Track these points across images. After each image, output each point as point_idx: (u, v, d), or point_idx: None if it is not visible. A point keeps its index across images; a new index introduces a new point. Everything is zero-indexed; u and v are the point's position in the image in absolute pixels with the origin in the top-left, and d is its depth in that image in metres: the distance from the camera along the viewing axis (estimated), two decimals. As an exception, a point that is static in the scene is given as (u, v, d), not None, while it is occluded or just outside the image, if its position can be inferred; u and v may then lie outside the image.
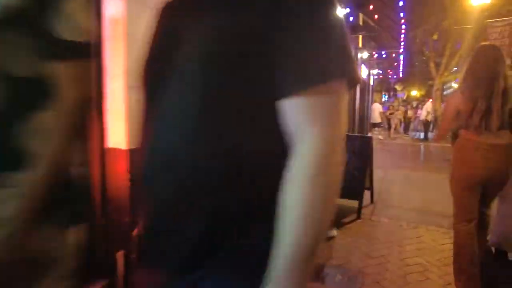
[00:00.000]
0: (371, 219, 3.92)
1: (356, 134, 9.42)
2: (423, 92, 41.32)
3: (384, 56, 13.38)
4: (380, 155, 9.09)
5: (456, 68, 12.45)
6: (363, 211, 4.06)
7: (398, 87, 28.20)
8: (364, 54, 11.36)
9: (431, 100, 13.05)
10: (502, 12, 10.01)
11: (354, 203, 4.04)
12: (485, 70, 2.02)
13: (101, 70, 1.49)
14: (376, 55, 13.00)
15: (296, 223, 0.51)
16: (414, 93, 40.90)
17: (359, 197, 3.93)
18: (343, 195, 3.98)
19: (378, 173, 6.57)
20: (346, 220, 3.83)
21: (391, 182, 5.88)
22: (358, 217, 3.89)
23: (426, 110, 12.38)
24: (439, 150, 10.34)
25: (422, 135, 13.66)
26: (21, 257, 1.18)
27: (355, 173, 4.06)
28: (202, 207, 0.56)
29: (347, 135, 4.39)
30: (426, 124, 12.65)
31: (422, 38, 12.77)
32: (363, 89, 15.09)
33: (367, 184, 4.33)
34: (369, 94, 15.73)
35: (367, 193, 4.35)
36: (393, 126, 13.45)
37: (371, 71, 15.83)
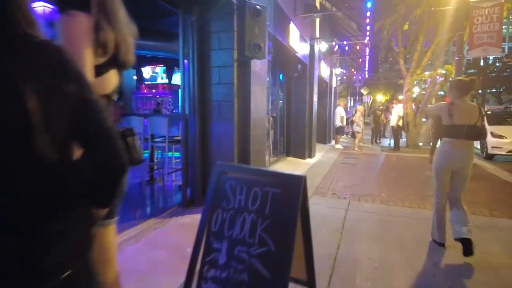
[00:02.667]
0: None
1: (272, 170, 6.99)
2: (388, 97, 40.99)
3: (346, 48, 11.41)
4: (341, 173, 7.10)
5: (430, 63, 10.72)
6: None
7: (364, 91, 26.82)
8: (323, 46, 9.18)
9: (395, 104, 11.09)
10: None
11: None
12: None
13: None
14: (337, 48, 10.98)
15: None
16: (380, 98, 40.46)
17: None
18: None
19: (336, 210, 4.30)
20: None
21: (356, 236, 3.50)
22: None
23: (397, 115, 10.46)
24: (418, 163, 8.32)
25: (392, 143, 11.71)
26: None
27: (264, 273, 1.59)
28: None
29: (240, 169, 1.90)
30: (397, 131, 10.67)
31: (390, 30, 10.87)
32: (324, 91, 12.99)
33: (299, 274, 1.90)
34: (331, 97, 13.66)
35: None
36: (357, 135, 11.19)
37: (333, 70, 13.83)
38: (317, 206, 4.40)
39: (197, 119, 3.98)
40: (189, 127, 3.98)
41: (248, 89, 4.15)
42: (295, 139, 8.88)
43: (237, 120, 4.07)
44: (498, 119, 10.75)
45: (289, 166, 7.66)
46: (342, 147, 11.67)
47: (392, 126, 10.71)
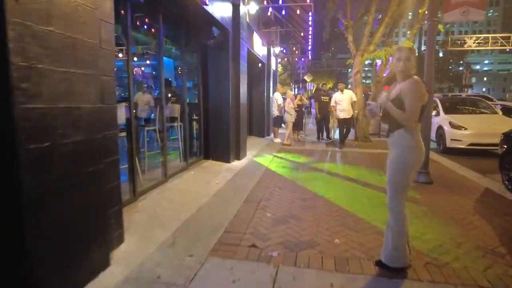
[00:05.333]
0: None
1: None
2: (331, 85, 40.64)
3: (283, 12, 9.12)
4: (274, 188, 4.37)
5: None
6: None
7: (307, 78, 25.32)
8: (252, 7, 6.75)
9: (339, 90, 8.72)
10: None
11: None
12: None
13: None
14: (271, 11, 8.65)
15: None
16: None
17: None
18: None
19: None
20: None
21: None
22: None
23: (350, 101, 8.37)
24: (375, 163, 6.35)
25: (334, 137, 9.82)
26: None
27: None
28: None
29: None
30: (347, 122, 8.66)
31: (337, 0, 8.83)
32: (260, 73, 10.70)
33: None
34: (269, 81, 11.41)
35: None
36: (289, 126, 8.95)
37: (272, 49, 11.57)
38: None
39: None
40: None
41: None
42: (216, 136, 6.43)
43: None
44: (453, 107, 9.39)
45: (201, 177, 5.18)
46: (281, 141, 9.52)
47: (344, 118, 8.46)
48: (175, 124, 5.59)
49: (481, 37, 27.08)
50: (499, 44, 27.56)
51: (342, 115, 8.55)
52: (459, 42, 28.79)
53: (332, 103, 8.81)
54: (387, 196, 2.42)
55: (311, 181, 5.18)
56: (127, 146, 3.77)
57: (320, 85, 10.93)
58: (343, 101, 8.52)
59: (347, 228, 3.25)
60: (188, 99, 5.92)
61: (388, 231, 2.40)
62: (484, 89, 60.05)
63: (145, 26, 4.43)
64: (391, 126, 2.44)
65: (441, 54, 46.96)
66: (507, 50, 48.73)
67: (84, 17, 2.06)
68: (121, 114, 3.62)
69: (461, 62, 48.37)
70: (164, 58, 4.94)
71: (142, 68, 7.36)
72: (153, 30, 4.46)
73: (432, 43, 5.12)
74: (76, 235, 2.06)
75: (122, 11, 3.36)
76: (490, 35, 27.82)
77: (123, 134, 3.73)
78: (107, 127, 2.42)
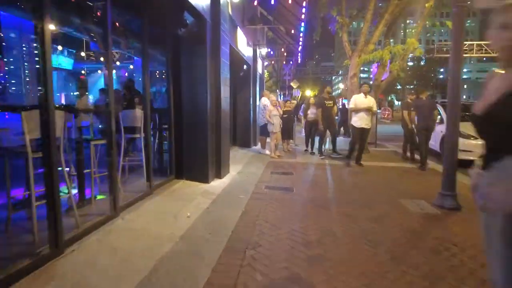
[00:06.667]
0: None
1: None
2: (316, 92, 40.19)
3: (272, 2, 8.00)
4: (264, 223, 3.09)
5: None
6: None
7: (293, 84, 24.40)
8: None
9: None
10: None
11: None
12: None
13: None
14: (256, 2, 7.50)
15: None
16: (308, 93, 39.41)
17: None
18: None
19: None
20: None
21: None
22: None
23: (369, 104, 6.65)
24: (386, 184, 5.23)
25: (330, 146, 8.70)
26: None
27: None
28: None
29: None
30: (365, 133, 6.87)
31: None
32: (246, 76, 9.58)
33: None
34: (256, 86, 10.28)
35: None
36: (272, 136, 7.89)
37: (259, 51, 10.48)
38: None
39: None
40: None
41: None
42: (191, 149, 5.20)
43: None
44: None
45: (167, 206, 3.92)
46: (270, 153, 8.36)
47: (362, 128, 6.71)
48: (137, 135, 4.35)
49: (466, 44, 27.07)
50: (483, 51, 27.72)
51: (360, 123, 6.78)
52: (445, 49, 28.73)
53: (351, 105, 7.00)
54: (492, 272, 1.29)
55: (312, 209, 4.02)
56: (45, 172, 2.50)
57: (323, 88, 9.35)
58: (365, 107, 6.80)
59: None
60: (154, 105, 4.69)
61: None
62: (464, 97, 61.22)
63: (78, 4, 3.17)
64: (499, 143, 1.28)
65: (422, 62, 47.65)
66: (484, 59, 49.91)
67: None
68: (33, 125, 2.37)
69: (441, 70, 49.22)
70: (123, 53, 3.73)
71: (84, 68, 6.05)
72: (92, 11, 3.21)
73: (459, 35, 4.12)
74: None
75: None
76: (474, 42, 27.89)
77: (39, 155, 2.46)
78: None
